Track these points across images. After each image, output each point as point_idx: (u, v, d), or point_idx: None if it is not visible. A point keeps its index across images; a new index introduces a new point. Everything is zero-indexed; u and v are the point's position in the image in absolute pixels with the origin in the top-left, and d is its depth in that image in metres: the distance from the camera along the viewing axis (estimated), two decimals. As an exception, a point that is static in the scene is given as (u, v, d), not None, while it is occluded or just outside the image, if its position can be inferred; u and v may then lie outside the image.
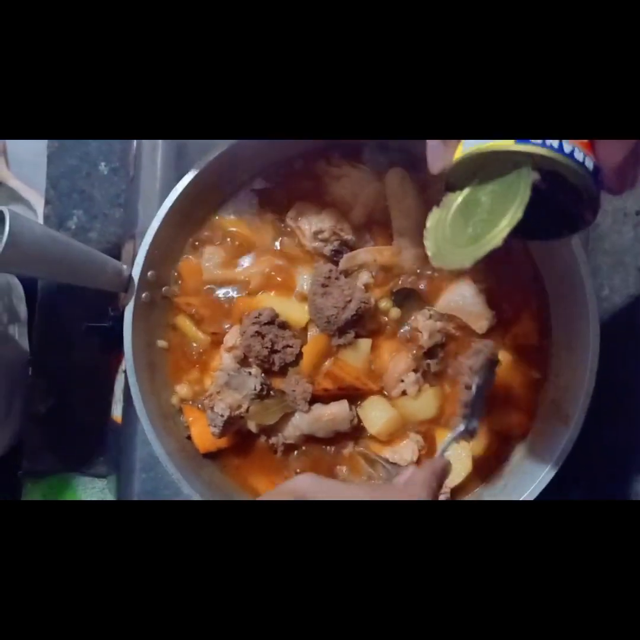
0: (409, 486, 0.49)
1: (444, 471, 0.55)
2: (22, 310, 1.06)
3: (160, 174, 0.85)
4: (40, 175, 1.12)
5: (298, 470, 0.75)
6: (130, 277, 0.70)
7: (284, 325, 0.73)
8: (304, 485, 0.47)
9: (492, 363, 0.66)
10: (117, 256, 0.96)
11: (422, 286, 0.75)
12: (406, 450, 0.72)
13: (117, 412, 0.90)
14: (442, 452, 0.61)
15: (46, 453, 1.06)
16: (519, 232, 0.41)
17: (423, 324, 0.72)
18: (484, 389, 0.65)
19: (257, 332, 0.71)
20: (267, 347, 0.71)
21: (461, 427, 0.65)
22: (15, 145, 1.46)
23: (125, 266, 0.69)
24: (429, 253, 0.47)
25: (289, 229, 0.76)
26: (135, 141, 0.91)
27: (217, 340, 0.76)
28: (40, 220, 1.10)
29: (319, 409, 0.72)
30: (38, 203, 1.50)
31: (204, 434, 0.73)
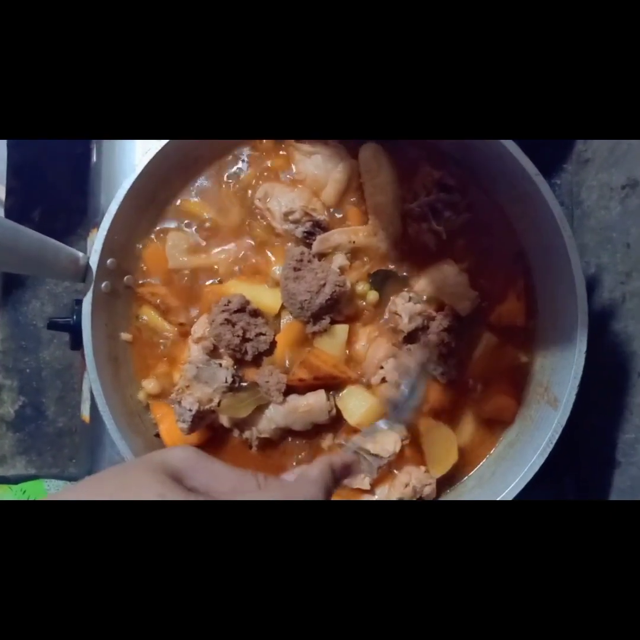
0: (300, 482, 0.42)
1: (346, 467, 0.47)
2: None
3: (122, 158, 0.80)
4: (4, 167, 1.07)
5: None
6: (87, 266, 0.65)
7: (255, 313, 0.69)
8: (178, 460, 0.39)
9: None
10: (83, 248, 0.92)
11: (400, 267, 0.71)
12: (388, 441, 0.68)
13: (85, 412, 0.85)
14: (350, 448, 0.59)
15: (17, 457, 1.02)
16: None
17: (402, 307, 0.68)
18: (416, 392, 0.64)
19: (226, 319, 0.67)
20: (238, 336, 0.67)
21: (382, 425, 0.62)
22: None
23: (81, 254, 0.65)
24: None
25: (257, 211, 0.72)
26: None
27: (185, 332, 0.71)
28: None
29: (294, 400, 0.68)
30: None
31: (173, 430, 0.69)
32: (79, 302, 0.83)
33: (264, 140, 0.72)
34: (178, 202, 0.72)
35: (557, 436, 0.64)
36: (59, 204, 1.02)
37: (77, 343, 0.92)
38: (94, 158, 0.88)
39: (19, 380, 1.01)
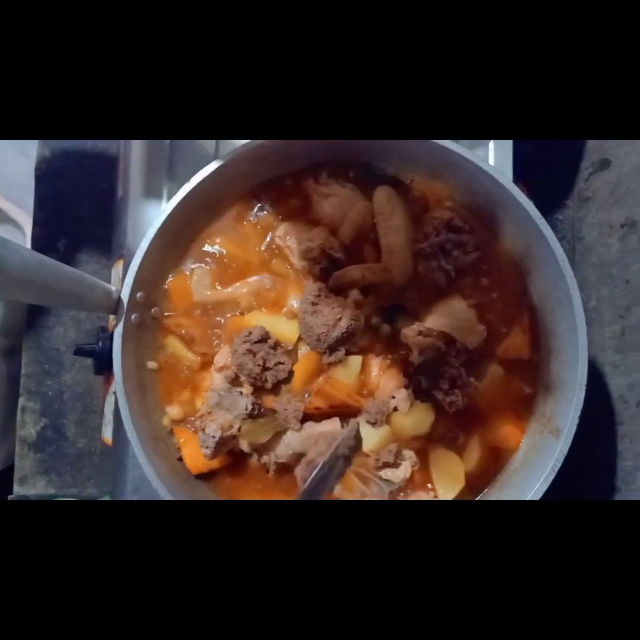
0: None
1: None
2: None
3: (148, 194, 0.85)
4: (29, 196, 1.12)
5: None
6: (119, 299, 0.69)
7: (275, 344, 0.73)
8: None
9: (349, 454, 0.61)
10: (107, 278, 0.96)
11: (411, 302, 0.76)
12: (399, 467, 0.72)
13: (107, 434, 0.89)
14: None
15: (37, 477, 1.05)
16: None
17: (413, 340, 0.72)
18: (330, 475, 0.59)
19: (248, 350, 0.71)
20: (259, 365, 0.71)
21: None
22: (3, 166, 1.46)
23: (114, 288, 0.69)
24: None
25: (277, 248, 0.76)
26: (122, 162, 0.91)
27: (207, 361, 0.75)
28: (28, 242, 1.09)
29: (311, 427, 0.71)
30: (27, 223, 1.49)
31: (196, 454, 0.72)
32: (103, 329, 0.87)
33: (285, 182, 0.77)
34: (203, 239, 0.77)
35: (559, 465, 0.66)
36: (83, 235, 1.07)
37: (100, 368, 0.96)
38: (120, 193, 0.93)
39: (41, 403, 1.05)
